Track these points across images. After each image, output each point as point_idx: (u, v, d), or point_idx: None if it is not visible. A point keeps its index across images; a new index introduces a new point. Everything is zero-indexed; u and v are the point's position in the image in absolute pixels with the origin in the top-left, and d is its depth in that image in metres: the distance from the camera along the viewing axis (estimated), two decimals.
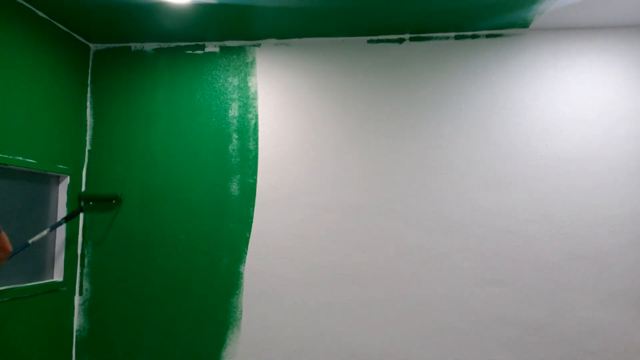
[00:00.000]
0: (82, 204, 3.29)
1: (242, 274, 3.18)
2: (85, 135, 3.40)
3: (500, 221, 3.00)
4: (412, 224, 3.06)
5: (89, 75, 3.44)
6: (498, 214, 3.00)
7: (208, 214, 3.23)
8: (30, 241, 2.74)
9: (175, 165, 3.29)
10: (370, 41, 3.22)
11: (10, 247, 2.15)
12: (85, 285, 3.31)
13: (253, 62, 3.30)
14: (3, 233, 2.09)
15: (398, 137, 3.13)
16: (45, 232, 2.86)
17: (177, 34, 3.24)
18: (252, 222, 3.20)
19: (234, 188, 3.23)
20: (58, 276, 3.17)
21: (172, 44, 3.39)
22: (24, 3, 2.83)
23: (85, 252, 3.33)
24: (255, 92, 3.28)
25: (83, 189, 3.35)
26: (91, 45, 3.45)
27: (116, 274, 3.29)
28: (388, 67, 3.18)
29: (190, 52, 3.37)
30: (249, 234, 3.20)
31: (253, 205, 3.20)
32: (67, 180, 3.22)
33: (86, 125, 3.41)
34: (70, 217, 3.10)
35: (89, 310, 3.29)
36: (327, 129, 3.20)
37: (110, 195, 3.28)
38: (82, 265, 3.33)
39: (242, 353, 3.13)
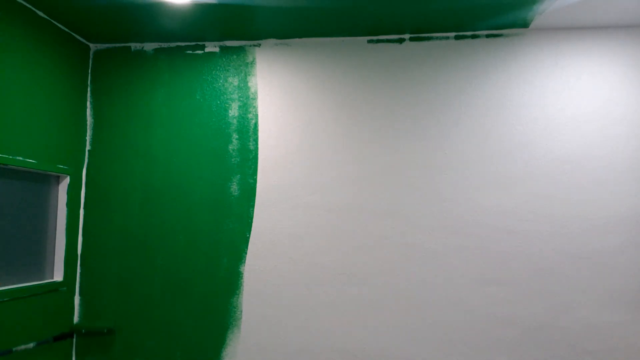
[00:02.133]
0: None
1: (242, 274, 3.18)
2: (85, 135, 3.40)
3: (500, 221, 3.00)
4: (412, 224, 3.06)
5: (89, 75, 3.44)
6: (498, 214, 3.00)
7: (208, 214, 3.23)
8: (14, 349, 2.71)
9: (175, 165, 3.29)
10: (370, 41, 3.22)
11: None
12: (85, 285, 3.32)
13: (253, 62, 3.30)
14: None
15: (398, 137, 3.13)
16: (31, 346, 2.82)
17: (177, 34, 3.24)
18: (252, 222, 3.20)
19: (234, 188, 3.23)
20: (58, 276, 3.17)
21: (172, 44, 3.39)
22: (24, 3, 2.83)
23: (85, 252, 3.33)
24: (255, 92, 3.28)
25: (83, 189, 3.35)
26: (91, 45, 3.46)
27: (116, 274, 3.29)
28: (388, 67, 3.18)
29: (190, 52, 3.37)
30: (249, 234, 3.20)
31: (253, 205, 3.20)
32: (67, 180, 3.22)
33: (86, 125, 3.41)
34: (60, 339, 3.10)
35: (89, 310, 3.29)
36: (327, 128, 3.20)
37: (103, 327, 3.24)
38: (82, 265, 3.33)
39: (242, 353, 3.13)
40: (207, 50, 3.36)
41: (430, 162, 3.09)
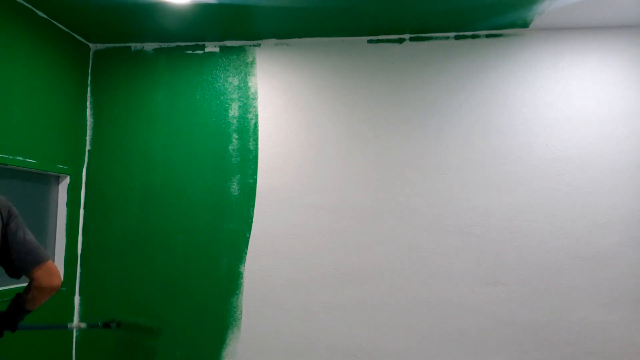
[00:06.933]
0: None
1: (242, 274, 3.18)
2: (85, 135, 3.40)
3: (500, 221, 2.99)
4: (412, 224, 3.06)
5: (89, 75, 3.44)
6: (498, 214, 3.00)
7: (208, 214, 3.23)
8: (68, 325, 2.87)
9: (175, 165, 3.29)
10: (370, 41, 3.22)
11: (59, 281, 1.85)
12: (85, 285, 3.32)
13: (253, 62, 3.30)
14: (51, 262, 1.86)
15: (398, 137, 3.13)
16: (84, 326, 2.92)
17: (177, 34, 3.24)
18: (252, 222, 3.20)
19: (234, 188, 3.23)
20: None
21: (172, 44, 3.39)
22: (24, 3, 2.83)
23: (85, 252, 3.33)
24: (255, 92, 3.28)
25: (83, 189, 3.35)
26: (91, 45, 3.46)
27: (116, 274, 3.29)
28: (388, 67, 3.18)
29: (190, 52, 3.37)
30: (249, 234, 3.20)
31: (253, 205, 3.20)
32: (67, 180, 3.22)
33: (86, 125, 3.41)
34: (106, 326, 3.08)
35: (89, 310, 3.29)
36: (327, 129, 3.20)
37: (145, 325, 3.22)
38: (82, 265, 3.33)
39: (242, 353, 3.13)
40: (207, 50, 3.36)
41: (430, 162, 3.09)
